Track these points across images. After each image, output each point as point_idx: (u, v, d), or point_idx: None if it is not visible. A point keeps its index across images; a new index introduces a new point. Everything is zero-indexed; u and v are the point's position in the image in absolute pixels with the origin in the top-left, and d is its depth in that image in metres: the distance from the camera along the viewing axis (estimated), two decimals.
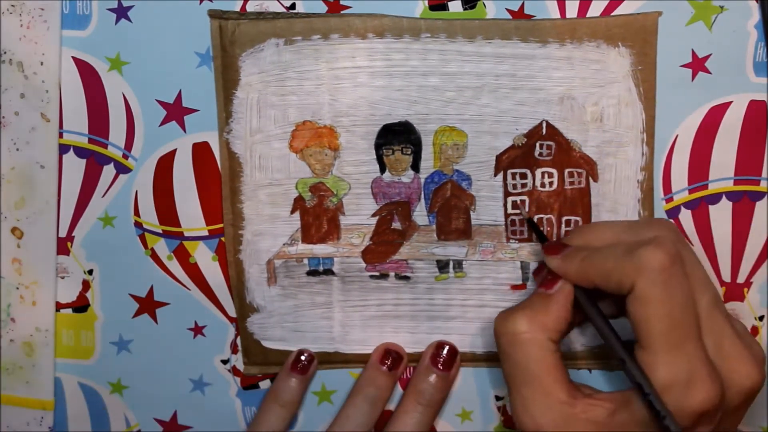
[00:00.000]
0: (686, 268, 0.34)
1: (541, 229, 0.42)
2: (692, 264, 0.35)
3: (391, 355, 0.43)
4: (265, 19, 0.40)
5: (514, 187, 0.42)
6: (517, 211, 0.42)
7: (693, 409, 0.32)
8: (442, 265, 0.43)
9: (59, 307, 0.45)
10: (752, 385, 0.34)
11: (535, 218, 0.42)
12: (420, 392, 0.42)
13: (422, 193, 0.42)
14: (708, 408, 0.32)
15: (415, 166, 0.42)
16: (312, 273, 0.43)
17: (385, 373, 0.43)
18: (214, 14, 0.41)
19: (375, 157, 0.42)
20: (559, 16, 0.40)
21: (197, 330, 0.45)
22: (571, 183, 0.42)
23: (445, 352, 0.43)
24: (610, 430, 0.34)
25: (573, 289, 0.36)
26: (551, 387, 0.34)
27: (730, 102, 0.41)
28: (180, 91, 0.42)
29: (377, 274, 0.43)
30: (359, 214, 0.42)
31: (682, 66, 0.40)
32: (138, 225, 0.44)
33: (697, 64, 0.40)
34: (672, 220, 0.37)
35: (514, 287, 0.43)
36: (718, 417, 0.34)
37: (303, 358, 0.43)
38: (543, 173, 0.42)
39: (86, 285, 0.44)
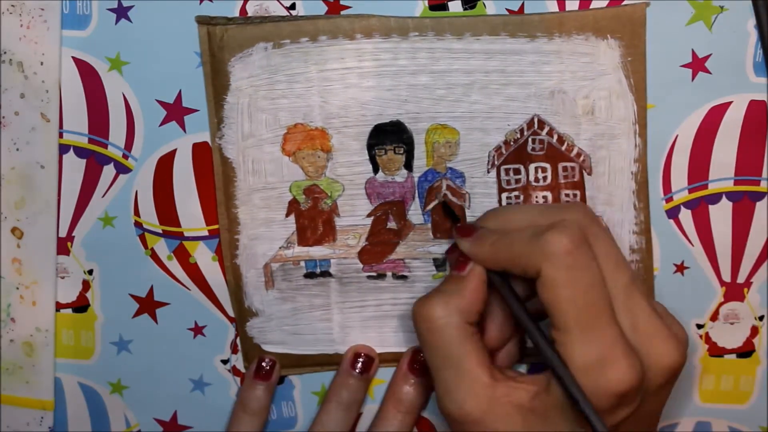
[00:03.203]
0: (598, 249, 0.33)
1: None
2: (605, 245, 0.34)
3: (361, 359, 0.43)
4: (253, 23, 0.40)
5: (508, 183, 0.42)
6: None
7: (610, 390, 0.32)
8: (439, 263, 0.43)
9: (59, 307, 0.45)
10: (672, 364, 0.34)
11: None
12: (399, 400, 0.42)
13: (416, 191, 0.42)
14: (625, 388, 0.32)
15: (408, 165, 0.42)
16: (309, 275, 0.43)
17: (356, 377, 0.43)
18: (201, 20, 0.40)
19: (368, 157, 0.42)
20: None
21: (197, 330, 0.45)
22: (565, 177, 0.42)
23: (421, 357, 0.42)
24: (533, 413, 0.34)
25: (484, 270, 0.36)
26: (472, 370, 0.34)
27: (730, 102, 0.41)
28: (180, 91, 0.42)
29: (374, 274, 0.43)
30: (354, 215, 0.42)
31: (682, 66, 0.40)
32: (138, 225, 0.44)
33: (697, 64, 0.40)
34: (586, 204, 0.36)
35: None
36: (639, 398, 0.33)
37: (264, 364, 0.43)
38: (536, 168, 0.42)
39: (86, 285, 0.44)
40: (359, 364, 0.43)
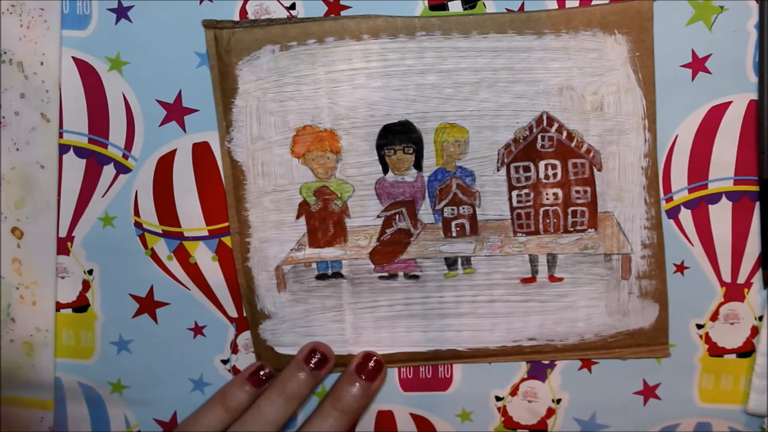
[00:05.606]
0: None
1: (547, 221, 0.42)
2: None
3: (317, 356, 0.43)
4: (260, 26, 0.40)
5: (518, 180, 0.42)
6: (522, 204, 0.42)
7: None
8: (451, 263, 0.43)
9: (59, 307, 0.45)
10: None
11: (541, 210, 0.42)
12: (337, 398, 0.42)
13: (426, 191, 0.42)
14: None
15: (418, 165, 0.42)
16: (321, 277, 0.43)
17: (307, 372, 0.43)
18: (208, 24, 0.40)
19: (377, 158, 0.42)
20: None
21: (197, 330, 0.45)
22: (575, 174, 0.42)
23: (371, 363, 0.43)
24: None
25: None
26: None
27: (730, 102, 0.41)
28: (180, 91, 0.42)
29: (386, 274, 0.43)
30: (365, 216, 0.42)
31: (682, 66, 0.40)
32: (138, 225, 0.44)
33: (697, 64, 0.40)
34: None
35: (524, 281, 0.43)
36: None
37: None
38: (546, 165, 0.42)
39: (86, 285, 0.44)
40: (314, 361, 0.43)
